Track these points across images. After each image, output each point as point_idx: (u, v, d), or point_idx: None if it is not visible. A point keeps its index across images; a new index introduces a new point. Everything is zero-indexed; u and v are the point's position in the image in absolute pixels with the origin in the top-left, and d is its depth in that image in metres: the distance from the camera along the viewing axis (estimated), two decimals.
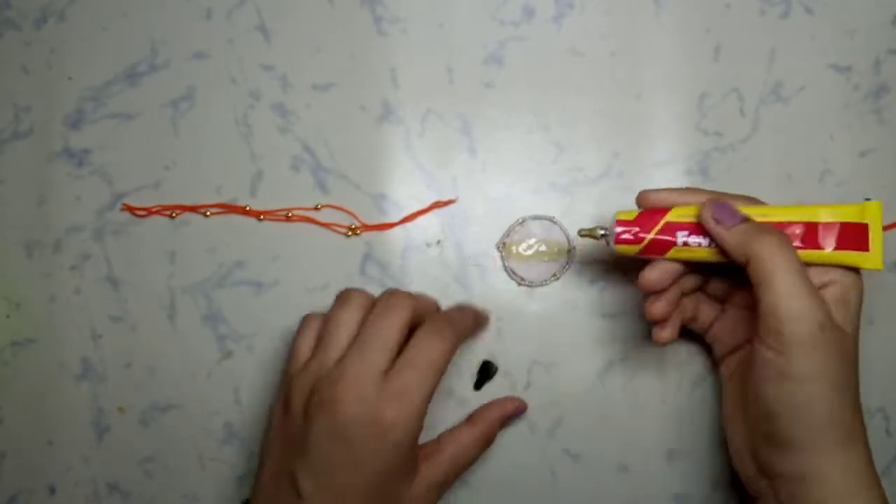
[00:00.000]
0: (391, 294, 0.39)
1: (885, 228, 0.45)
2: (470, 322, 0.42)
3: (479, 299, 0.45)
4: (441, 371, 0.37)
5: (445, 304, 0.45)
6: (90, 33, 0.46)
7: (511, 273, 0.45)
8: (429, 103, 0.46)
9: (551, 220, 0.45)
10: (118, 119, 0.46)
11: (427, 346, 0.37)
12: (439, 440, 0.41)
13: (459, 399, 0.45)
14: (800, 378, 0.34)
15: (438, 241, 0.45)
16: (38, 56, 0.46)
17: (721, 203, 0.37)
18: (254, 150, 0.46)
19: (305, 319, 0.40)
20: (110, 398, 0.45)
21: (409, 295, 0.39)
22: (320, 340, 0.38)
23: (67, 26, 0.46)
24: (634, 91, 0.46)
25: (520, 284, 0.45)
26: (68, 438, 0.45)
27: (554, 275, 0.45)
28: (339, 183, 0.45)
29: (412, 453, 0.37)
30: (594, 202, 0.45)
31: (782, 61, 0.46)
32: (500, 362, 0.45)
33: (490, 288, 0.45)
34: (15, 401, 0.45)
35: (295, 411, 0.37)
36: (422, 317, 0.39)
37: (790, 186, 0.45)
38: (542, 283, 0.45)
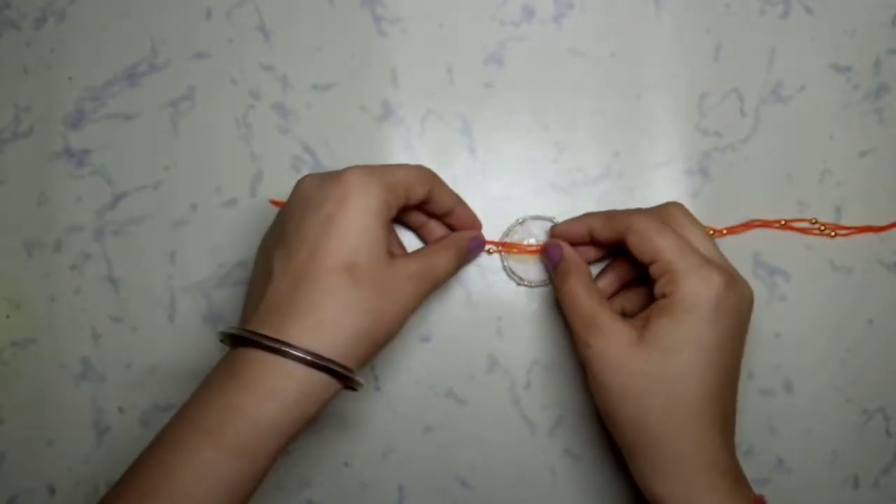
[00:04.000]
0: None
1: (885, 228, 0.45)
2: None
3: (478, 299, 0.45)
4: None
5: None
6: (90, 33, 0.46)
7: (511, 273, 0.45)
8: (429, 103, 0.46)
9: (551, 220, 0.45)
10: (118, 119, 0.46)
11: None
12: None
13: (459, 398, 0.45)
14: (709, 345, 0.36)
15: None
16: (38, 56, 0.46)
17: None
18: (254, 150, 0.46)
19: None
20: (110, 398, 0.45)
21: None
22: None
23: (67, 26, 0.46)
24: (634, 91, 0.46)
25: (519, 284, 0.45)
26: (68, 438, 0.45)
27: None
28: None
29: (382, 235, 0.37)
30: (594, 202, 0.45)
31: (782, 61, 0.46)
32: (500, 362, 0.45)
33: (490, 288, 0.45)
34: (15, 401, 0.45)
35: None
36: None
37: (790, 186, 0.45)
38: (542, 284, 0.45)
